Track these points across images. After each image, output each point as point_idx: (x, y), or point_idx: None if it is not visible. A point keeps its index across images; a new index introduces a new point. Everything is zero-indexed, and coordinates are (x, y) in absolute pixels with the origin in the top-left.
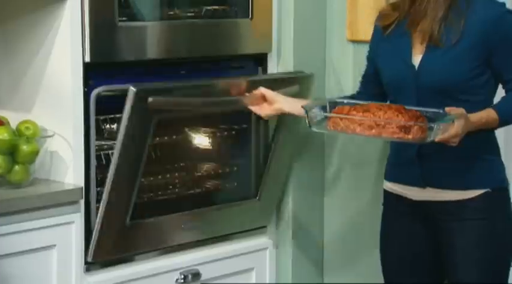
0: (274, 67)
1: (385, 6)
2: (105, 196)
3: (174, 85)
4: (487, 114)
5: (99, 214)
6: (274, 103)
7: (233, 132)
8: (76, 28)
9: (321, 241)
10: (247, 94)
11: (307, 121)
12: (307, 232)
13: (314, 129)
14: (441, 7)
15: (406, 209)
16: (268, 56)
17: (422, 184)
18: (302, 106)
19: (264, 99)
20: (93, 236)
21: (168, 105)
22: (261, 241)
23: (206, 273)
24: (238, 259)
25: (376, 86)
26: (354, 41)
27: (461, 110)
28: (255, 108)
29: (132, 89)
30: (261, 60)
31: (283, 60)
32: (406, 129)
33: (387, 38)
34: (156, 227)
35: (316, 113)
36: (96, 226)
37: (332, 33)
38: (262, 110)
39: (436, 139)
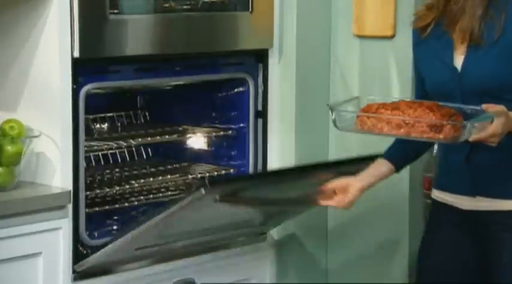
0: (275, 64)
1: (419, 8)
2: None
3: (243, 186)
4: None
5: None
6: (349, 188)
7: (230, 132)
8: (64, 21)
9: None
10: (319, 189)
11: (332, 121)
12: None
13: (340, 129)
14: (480, 4)
15: (454, 219)
16: (269, 51)
17: (472, 193)
18: (327, 105)
19: (334, 192)
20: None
21: (236, 202)
22: (260, 248)
23: (201, 281)
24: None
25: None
26: (360, 36)
27: (501, 107)
28: (329, 203)
29: (201, 192)
30: (261, 56)
31: (285, 57)
32: (437, 128)
33: (425, 41)
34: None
35: (342, 112)
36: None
37: (337, 28)
38: (341, 203)
39: (471, 139)
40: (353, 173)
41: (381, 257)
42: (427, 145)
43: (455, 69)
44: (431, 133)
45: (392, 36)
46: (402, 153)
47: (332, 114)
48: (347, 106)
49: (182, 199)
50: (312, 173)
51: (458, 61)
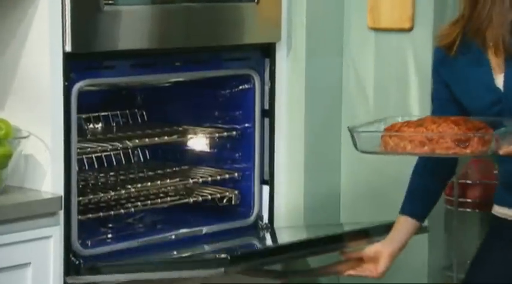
0: (283, 59)
1: (442, 26)
2: None
3: (266, 261)
4: None
5: None
6: (379, 257)
7: (234, 133)
8: (55, 13)
9: None
10: (344, 258)
11: (353, 144)
12: None
13: (361, 151)
14: (509, 9)
15: None
16: (277, 45)
17: None
18: (348, 128)
19: (360, 260)
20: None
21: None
22: None
23: None
24: None
25: (458, 109)
26: (375, 29)
27: None
28: (360, 273)
29: (221, 270)
30: (268, 50)
31: (294, 51)
32: (463, 142)
33: (455, 61)
34: None
35: (363, 133)
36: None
37: (350, 20)
38: (374, 273)
39: (501, 152)
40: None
41: (399, 266)
42: (442, 185)
43: (498, 89)
44: (457, 148)
45: (410, 29)
46: (420, 203)
47: (352, 136)
48: (368, 127)
49: (196, 268)
50: (341, 244)
51: (499, 80)
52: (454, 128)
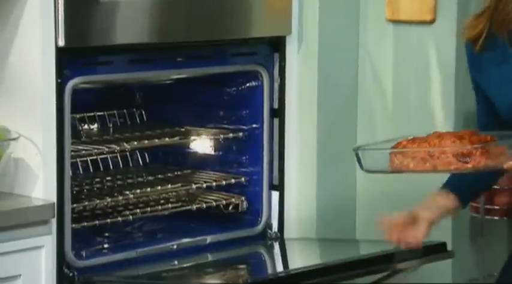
0: (294, 53)
1: (467, 19)
2: None
3: None
4: None
5: None
6: (418, 222)
7: (240, 134)
8: (47, 4)
9: None
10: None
11: (358, 163)
12: None
13: (368, 172)
14: None
15: None
16: (287, 39)
17: None
18: (353, 148)
19: (402, 225)
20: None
21: None
22: None
23: None
24: None
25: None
26: (394, 21)
27: None
28: (401, 238)
29: None
30: (277, 44)
31: (305, 45)
32: (463, 157)
33: (481, 56)
34: None
35: (367, 151)
36: None
37: (367, 11)
38: (412, 235)
39: (505, 166)
40: None
41: (421, 278)
42: (493, 177)
43: None
44: (459, 163)
45: (432, 21)
46: (467, 182)
47: (357, 155)
48: (371, 147)
49: None
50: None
51: None
52: (456, 142)
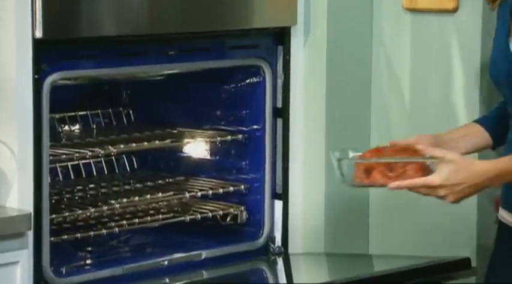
0: (299, 46)
1: None
2: None
3: None
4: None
5: None
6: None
7: (240, 136)
8: None
9: None
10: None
11: (337, 175)
12: None
13: (345, 184)
14: None
15: None
16: (292, 30)
17: None
18: (337, 159)
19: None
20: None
21: None
22: None
23: None
24: None
25: None
26: (412, 10)
27: (447, 154)
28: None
29: None
30: (281, 36)
31: (312, 37)
32: (366, 172)
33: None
34: None
35: (344, 163)
36: None
37: (382, 0)
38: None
39: (390, 187)
40: None
41: None
42: None
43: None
44: (366, 179)
45: (454, 10)
46: (496, 120)
47: (337, 167)
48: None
49: None
50: None
51: None
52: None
